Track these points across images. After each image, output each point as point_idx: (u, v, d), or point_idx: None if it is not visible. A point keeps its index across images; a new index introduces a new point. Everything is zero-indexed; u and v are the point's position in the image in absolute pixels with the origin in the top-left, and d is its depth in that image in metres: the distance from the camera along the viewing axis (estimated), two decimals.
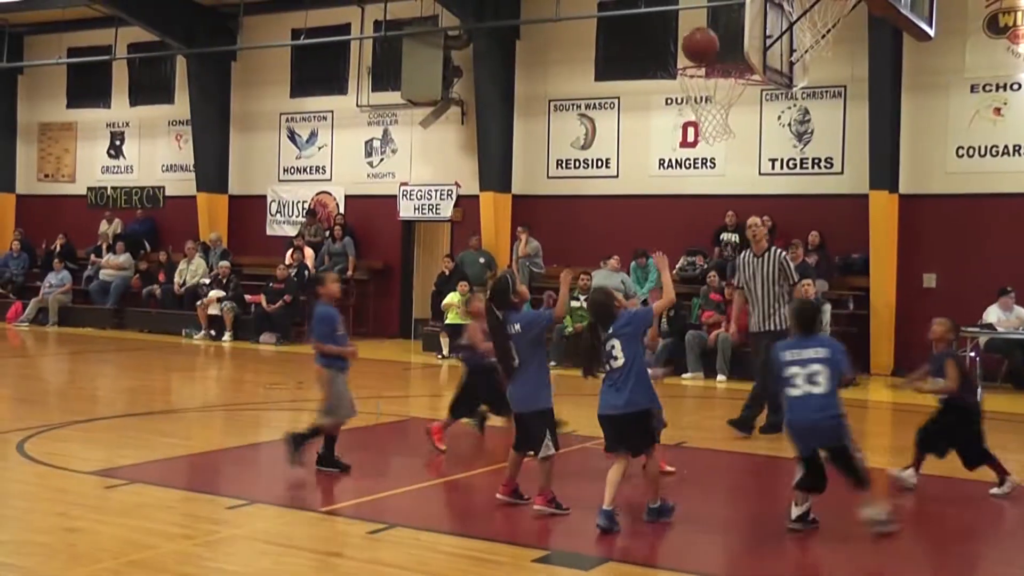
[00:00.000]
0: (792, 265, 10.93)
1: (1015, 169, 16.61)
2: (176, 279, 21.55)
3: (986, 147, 16.83)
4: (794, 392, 6.98)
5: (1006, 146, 16.70)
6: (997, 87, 16.81)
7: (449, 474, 8.82)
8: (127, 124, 24.75)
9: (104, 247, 23.33)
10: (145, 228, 23.91)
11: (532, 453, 7.33)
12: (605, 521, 6.77)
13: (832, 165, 17.91)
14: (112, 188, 24.90)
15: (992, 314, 15.71)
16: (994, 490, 8.41)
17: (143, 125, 24.49)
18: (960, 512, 8.10)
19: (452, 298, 18.33)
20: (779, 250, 11.00)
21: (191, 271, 21.50)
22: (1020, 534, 7.44)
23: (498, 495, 7.53)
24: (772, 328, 10.67)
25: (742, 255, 11.24)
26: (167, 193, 24.16)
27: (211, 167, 22.97)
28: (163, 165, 24.25)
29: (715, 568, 6.36)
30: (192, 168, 23.18)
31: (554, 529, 7.27)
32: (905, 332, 16.93)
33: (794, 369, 6.99)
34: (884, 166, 16.96)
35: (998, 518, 8.00)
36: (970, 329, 15.61)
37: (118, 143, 24.90)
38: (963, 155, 16.97)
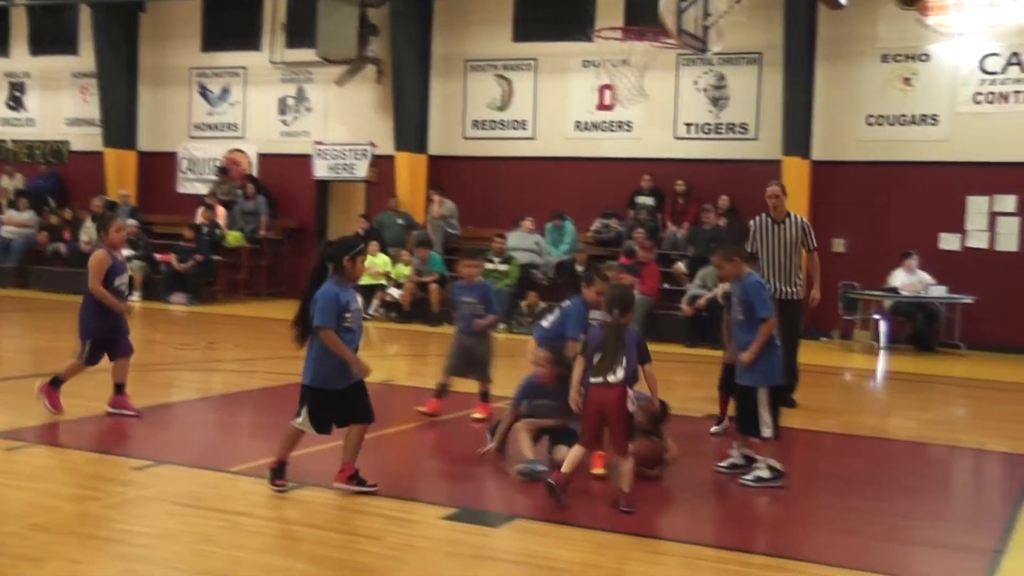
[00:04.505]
0: (813, 232, 10.50)
1: (922, 138, 16.97)
2: (83, 237, 21.01)
3: (895, 116, 17.16)
4: None
5: (914, 115, 17.04)
6: (907, 57, 17.12)
7: None
8: (28, 74, 23.97)
9: (5, 203, 22.64)
10: (49, 184, 23.23)
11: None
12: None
13: (747, 131, 18.11)
14: (13, 141, 24.14)
15: (897, 278, 16.09)
16: (714, 428, 9.14)
17: (45, 76, 23.74)
18: (857, 466, 8.31)
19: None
20: (800, 217, 10.59)
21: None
22: (916, 486, 7.66)
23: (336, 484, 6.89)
24: (789, 297, 10.28)
25: (758, 220, 10.63)
26: (72, 148, 23.51)
27: (119, 122, 22.41)
28: (67, 118, 23.57)
29: (619, 524, 6.43)
30: (99, 122, 22.60)
31: (464, 488, 7.32)
32: None
33: None
34: (798, 132, 17.21)
35: (895, 472, 8.22)
36: (875, 292, 16.02)
37: (18, 94, 24.14)
38: (873, 123, 17.29)
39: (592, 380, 6.73)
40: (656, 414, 7.50)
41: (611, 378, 6.67)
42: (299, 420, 6.79)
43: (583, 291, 8.19)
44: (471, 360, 9.34)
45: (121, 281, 8.97)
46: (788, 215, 10.47)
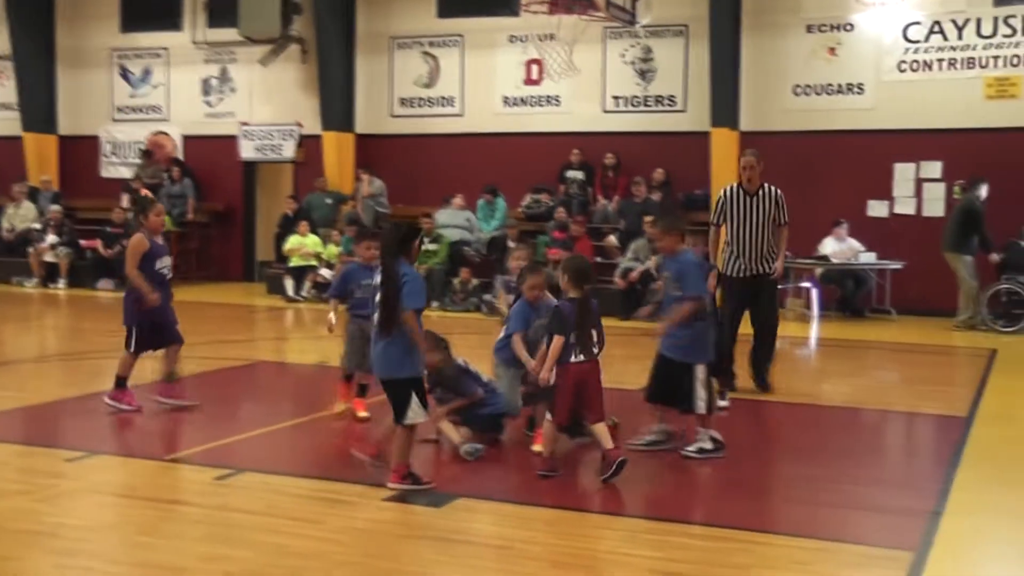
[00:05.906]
0: (786, 205, 9.62)
1: (848, 107, 17.15)
2: (4, 224, 20.51)
3: (822, 85, 17.31)
4: None
5: (840, 85, 17.22)
6: (832, 27, 17.27)
7: (295, 417, 8.66)
8: None
9: None
10: None
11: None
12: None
13: (675, 103, 18.16)
14: None
15: (827, 246, 16.29)
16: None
17: None
18: (793, 433, 8.40)
19: (293, 242, 18.02)
20: (774, 188, 9.68)
21: (20, 216, 20.48)
22: (853, 451, 7.76)
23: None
24: (762, 273, 9.62)
25: (729, 190, 9.78)
26: None
27: (37, 106, 21.81)
28: None
29: (563, 500, 6.42)
30: (16, 107, 21.99)
31: None
32: None
33: None
34: (725, 104, 17.28)
35: (831, 437, 8.32)
36: (806, 261, 16.21)
37: None
38: (800, 93, 17.43)
39: (574, 359, 6.70)
40: None
41: (593, 353, 6.78)
42: (411, 415, 6.38)
43: (522, 290, 7.76)
44: (367, 350, 8.23)
45: (162, 264, 8.64)
46: (762, 186, 9.59)
